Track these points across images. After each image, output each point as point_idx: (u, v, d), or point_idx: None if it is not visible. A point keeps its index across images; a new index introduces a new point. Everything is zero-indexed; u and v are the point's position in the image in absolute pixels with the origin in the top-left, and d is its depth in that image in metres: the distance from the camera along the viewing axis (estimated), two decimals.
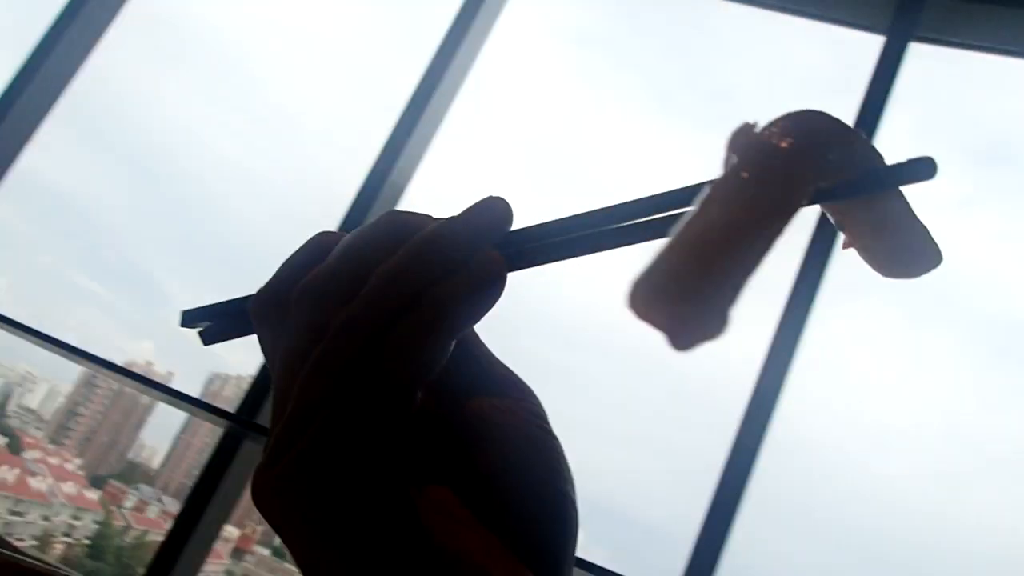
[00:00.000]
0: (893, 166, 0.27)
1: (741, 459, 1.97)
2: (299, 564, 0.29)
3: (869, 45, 2.29)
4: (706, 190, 0.25)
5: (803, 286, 2.11)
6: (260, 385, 2.36)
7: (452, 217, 0.29)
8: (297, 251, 0.31)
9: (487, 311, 0.28)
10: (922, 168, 0.28)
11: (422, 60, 2.55)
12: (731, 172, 0.25)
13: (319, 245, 0.31)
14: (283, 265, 0.31)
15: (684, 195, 0.27)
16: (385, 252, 0.29)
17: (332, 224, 2.44)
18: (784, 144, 0.25)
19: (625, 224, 0.28)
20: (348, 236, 0.30)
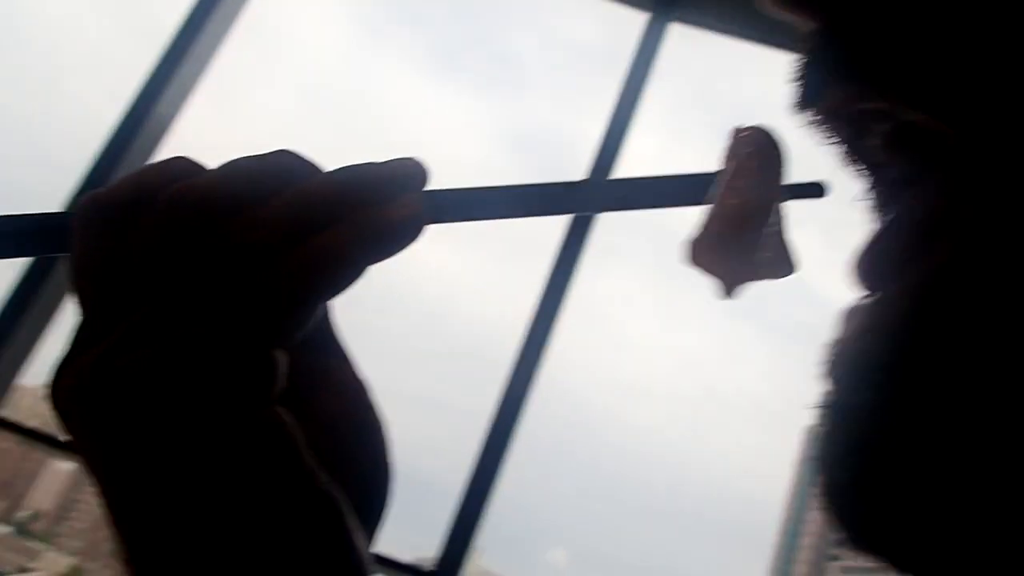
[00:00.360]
0: (790, 185, 0.33)
1: (507, 413, 2.05)
2: (101, 483, 0.27)
3: (635, 22, 2.43)
4: (728, 173, 0.31)
5: (567, 251, 2.23)
6: None
7: (372, 162, 0.28)
8: (145, 167, 0.29)
9: (399, 251, 0.27)
10: (813, 190, 0.33)
11: None
12: (747, 159, 0.32)
13: (176, 165, 0.28)
14: (127, 177, 0.28)
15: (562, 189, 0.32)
16: (284, 180, 0.27)
17: (81, 165, 2.25)
18: (773, 142, 0.33)
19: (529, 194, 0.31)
20: (235, 159, 0.28)
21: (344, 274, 0.26)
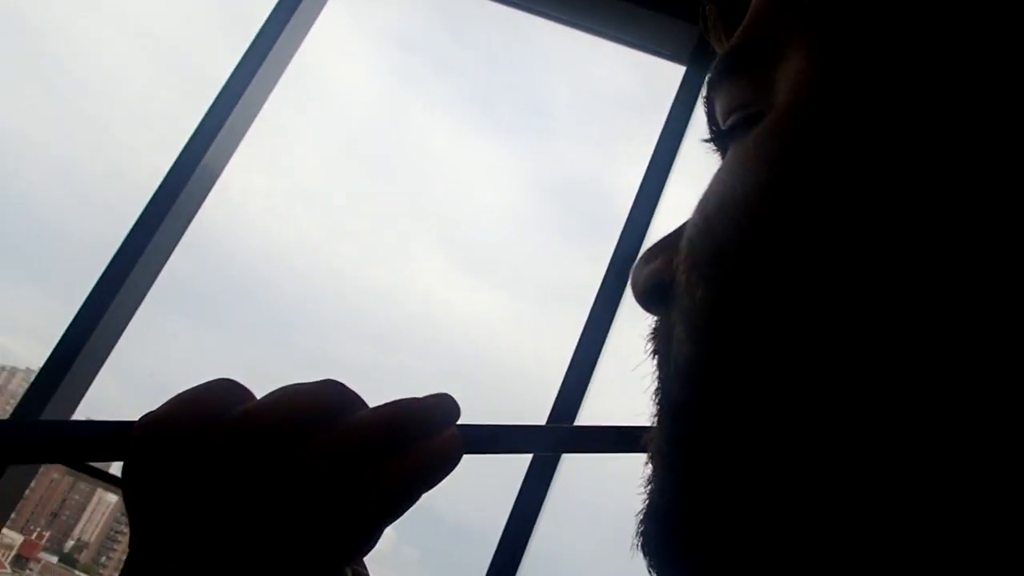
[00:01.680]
0: None
1: (546, 460, 2.05)
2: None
3: (673, 73, 2.45)
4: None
5: (604, 297, 2.23)
6: (47, 377, 2.21)
7: (413, 398, 0.32)
8: (195, 390, 0.30)
9: (443, 479, 0.31)
10: None
11: (239, 46, 2.47)
12: None
13: (223, 388, 0.30)
14: (181, 398, 0.30)
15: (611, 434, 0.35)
16: (340, 409, 0.30)
17: (134, 208, 2.32)
18: None
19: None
20: (286, 387, 0.30)
21: (409, 499, 0.29)
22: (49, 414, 2.17)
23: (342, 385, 0.30)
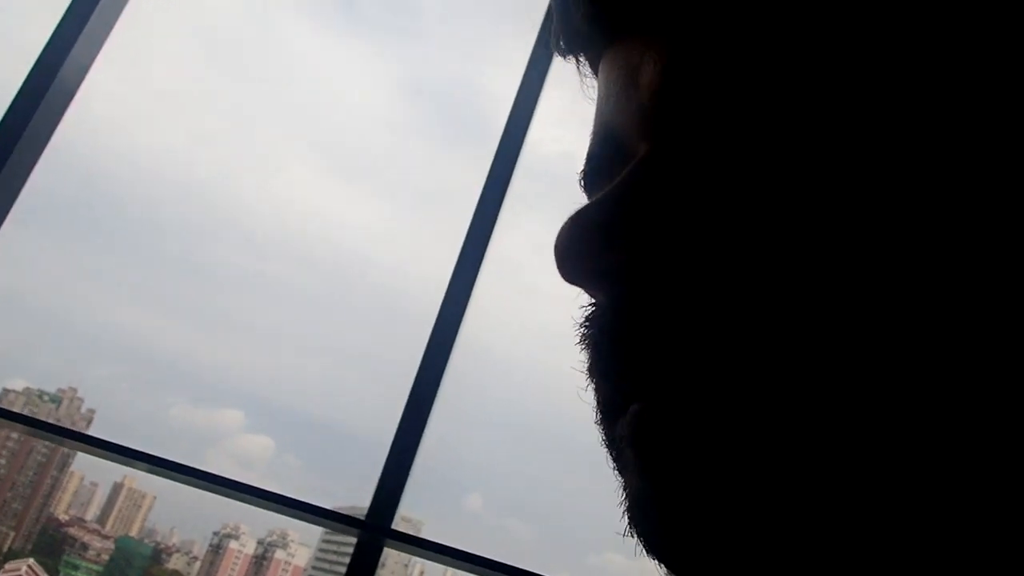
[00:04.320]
0: None
1: (433, 365, 2.11)
2: None
3: None
4: None
5: (486, 203, 2.27)
6: None
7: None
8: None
9: None
10: None
11: None
12: None
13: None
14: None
15: None
16: None
17: None
18: None
19: None
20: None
21: None
22: None
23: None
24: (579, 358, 0.27)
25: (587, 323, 0.27)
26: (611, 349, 0.25)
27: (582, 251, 0.26)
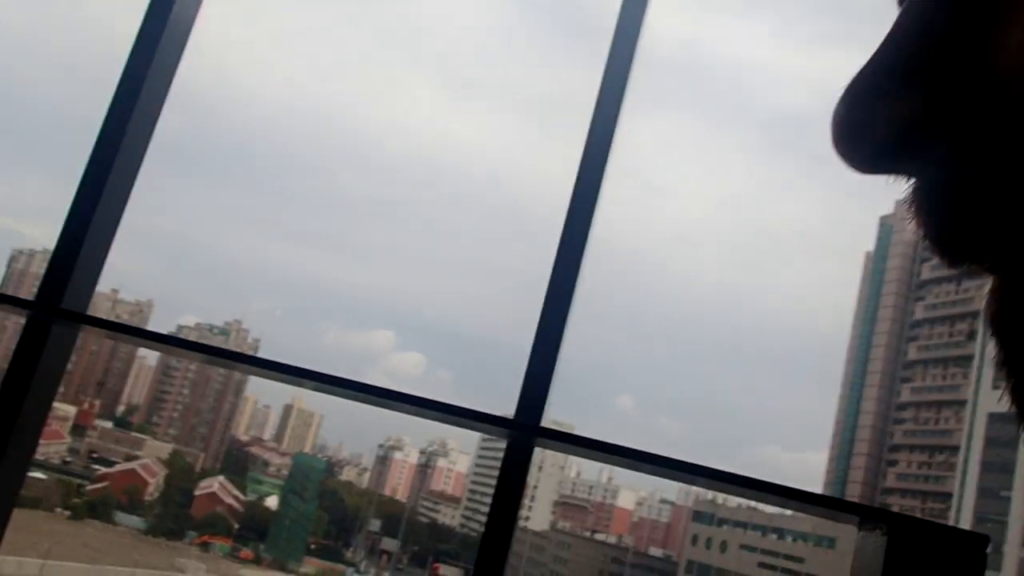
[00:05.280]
0: None
1: (566, 269, 2.11)
2: None
3: None
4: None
5: (607, 101, 2.21)
6: (61, 265, 2.25)
7: None
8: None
9: None
10: None
11: None
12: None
13: None
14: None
15: None
16: None
17: (115, 75, 2.28)
18: None
19: None
20: None
21: None
22: (71, 291, 2.23)
23: None
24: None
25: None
26: None
27: (878, 94, 0.25)
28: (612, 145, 2.20)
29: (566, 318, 2.09)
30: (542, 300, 2.11)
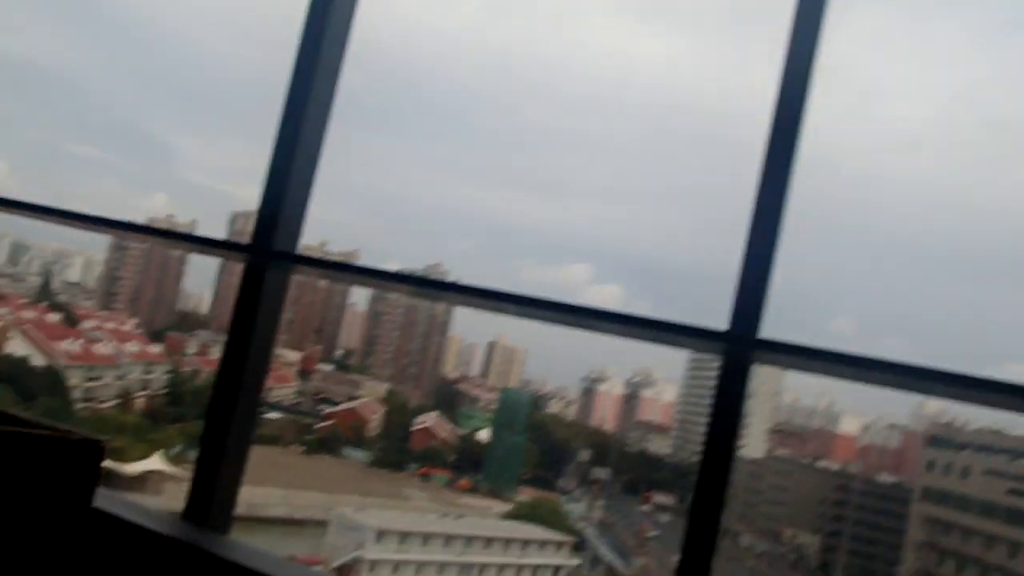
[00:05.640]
0: None
1: (774, 182, 1.94)
2: None
3: None
4: None
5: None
6: (268, 213, 2.35)
7: None
8: None
9: None
10: None
11: None
12: None
13: None
14: None
15: None
16: None
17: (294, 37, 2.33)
18: None
19: None
20: None
21: None
22: (282, 238, 2.34)
23: None
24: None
25: None
26: None
27: None
28: (817, 46, 1.99)
29: (776, 233, 1.93)
30: (748, 221, 1.96)
